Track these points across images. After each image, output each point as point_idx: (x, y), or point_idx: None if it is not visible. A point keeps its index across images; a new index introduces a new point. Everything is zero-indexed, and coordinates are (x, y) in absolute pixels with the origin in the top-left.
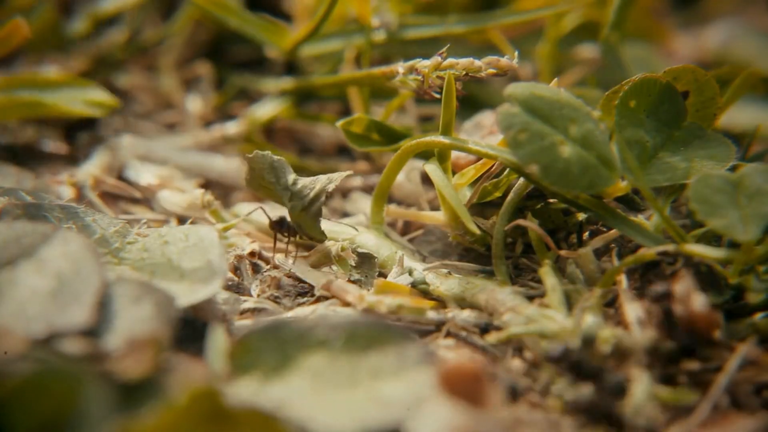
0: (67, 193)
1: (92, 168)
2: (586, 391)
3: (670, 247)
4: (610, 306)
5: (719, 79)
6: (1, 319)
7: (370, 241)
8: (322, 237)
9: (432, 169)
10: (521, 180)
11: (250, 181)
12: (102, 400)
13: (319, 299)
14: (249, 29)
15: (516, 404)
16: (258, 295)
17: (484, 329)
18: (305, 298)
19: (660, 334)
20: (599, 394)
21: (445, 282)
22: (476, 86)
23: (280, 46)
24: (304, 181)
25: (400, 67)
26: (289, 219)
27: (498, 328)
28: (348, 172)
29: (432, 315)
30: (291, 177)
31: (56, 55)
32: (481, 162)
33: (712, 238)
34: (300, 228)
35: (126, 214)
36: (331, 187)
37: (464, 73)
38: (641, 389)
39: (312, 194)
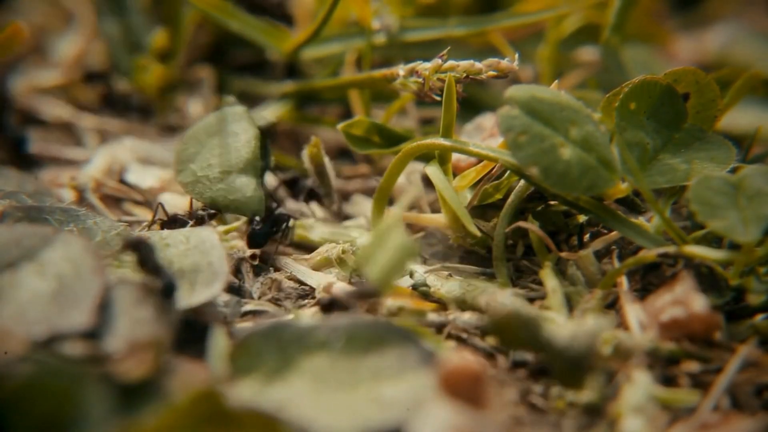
0: (68, 195)
1: (93, 171)
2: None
3: (670, 249)
4: (611, 308)
5: (720, 81)
6: (2, 321)
7: None
8: (578, 386)
9: (433, 171)
10: (522, 182)
11: (494, 330)
12: (102, 401)
13: (319, 301)
14: (250, 32)
15: (516, 406)
16: (259, 298)
17: (485, 331)
18: (306, 300)
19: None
20: None
21: (445, 284)
22: (477, 88)
23: (281, 49)
24: (561, 340)
25: (401, 69)
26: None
27: None
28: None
29: (433, 317)
30: (546, 333)
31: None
32: (481, 164)
33: (713, 240)
34: (556, 371)
35: (127, 216)
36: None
37: (465, 75)
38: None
39: (573, 354)
